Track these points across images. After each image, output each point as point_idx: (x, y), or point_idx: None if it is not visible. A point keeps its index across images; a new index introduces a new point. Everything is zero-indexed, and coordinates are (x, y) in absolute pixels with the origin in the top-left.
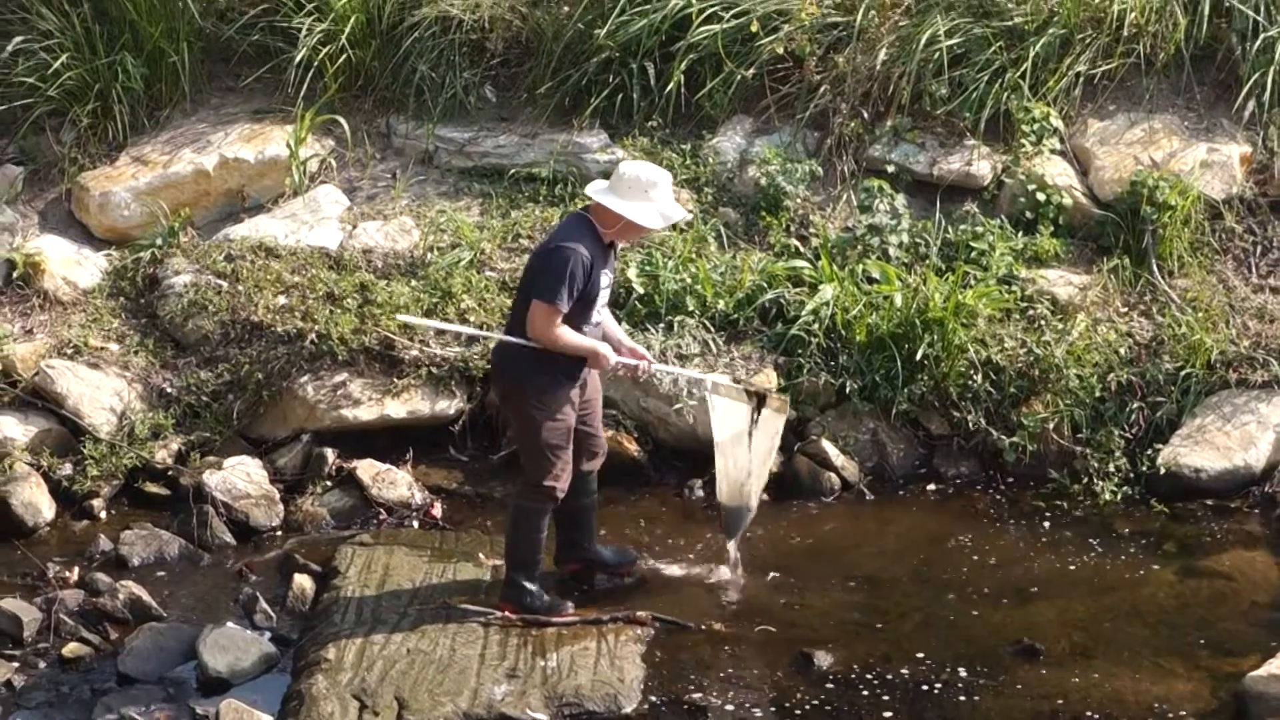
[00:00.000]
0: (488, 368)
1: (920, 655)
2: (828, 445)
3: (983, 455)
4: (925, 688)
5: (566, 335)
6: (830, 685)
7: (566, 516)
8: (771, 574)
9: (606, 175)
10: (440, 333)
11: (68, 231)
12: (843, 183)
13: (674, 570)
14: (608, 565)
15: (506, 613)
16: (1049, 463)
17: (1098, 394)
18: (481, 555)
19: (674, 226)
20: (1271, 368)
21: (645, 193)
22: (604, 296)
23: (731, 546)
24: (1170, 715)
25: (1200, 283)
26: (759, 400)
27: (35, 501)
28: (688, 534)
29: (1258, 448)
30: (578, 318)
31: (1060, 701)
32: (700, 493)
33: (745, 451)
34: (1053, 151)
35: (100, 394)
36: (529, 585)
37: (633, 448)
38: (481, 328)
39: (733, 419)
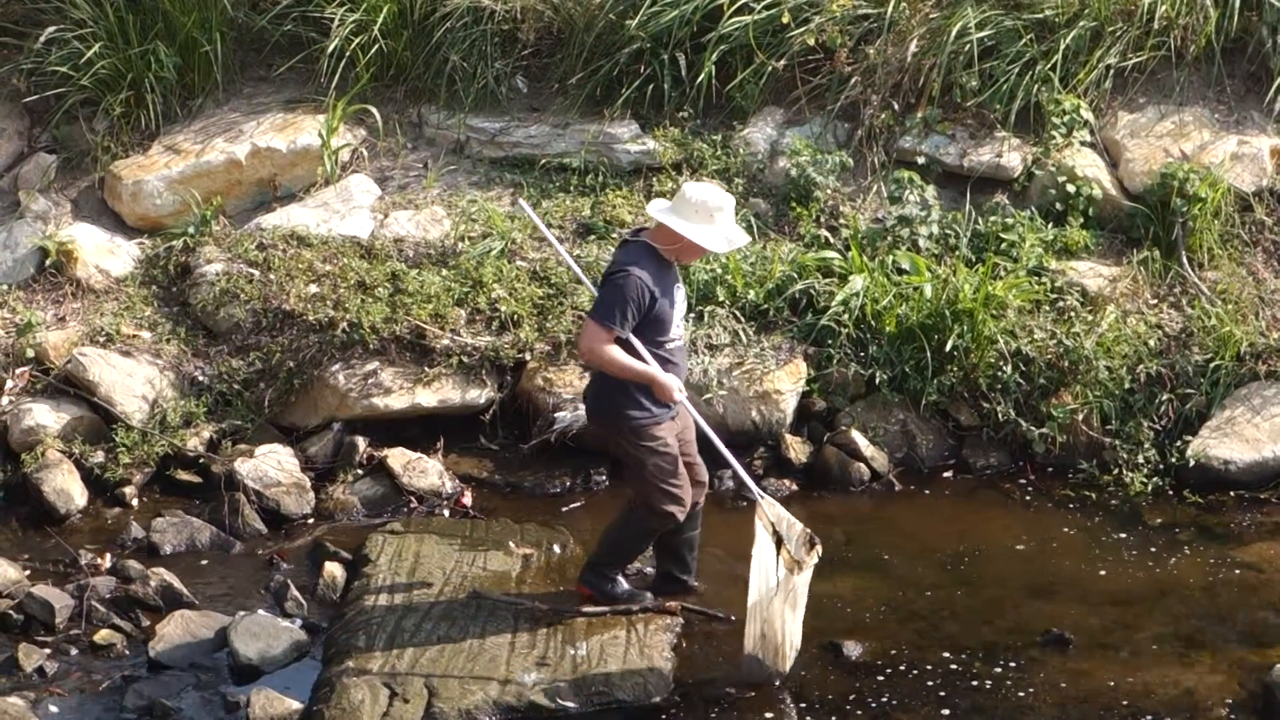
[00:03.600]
0: (519, 356)
1: (950, 645)
2: (857, 436)
3: (1012, 446)
4: (955, 678)
5: (618, 356)
6: (860, 675)
7: (667, 550)
8: None
9: (638, 166)
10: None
11: (100, 220)
12: (873, 174)
13: (704, 560)
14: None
15: (582, 594)
16: (1078, 454)
17: (1127, 385)
18: (512, 544)
19: None
20: None
21: (711, 216)
22: (679, 312)
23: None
24: (1199, 706)
25: (1230, 275)
26: (778, 543)
27: (68, 489)
28: (716, 524)
29: None
30: (653, 335)
31: (1089, 691)
32: (729, 483)
33: (778, 600)
34: (1083, 144)
35: (132, 382)
36: (614, 575)
37: None
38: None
39: (767, 557)
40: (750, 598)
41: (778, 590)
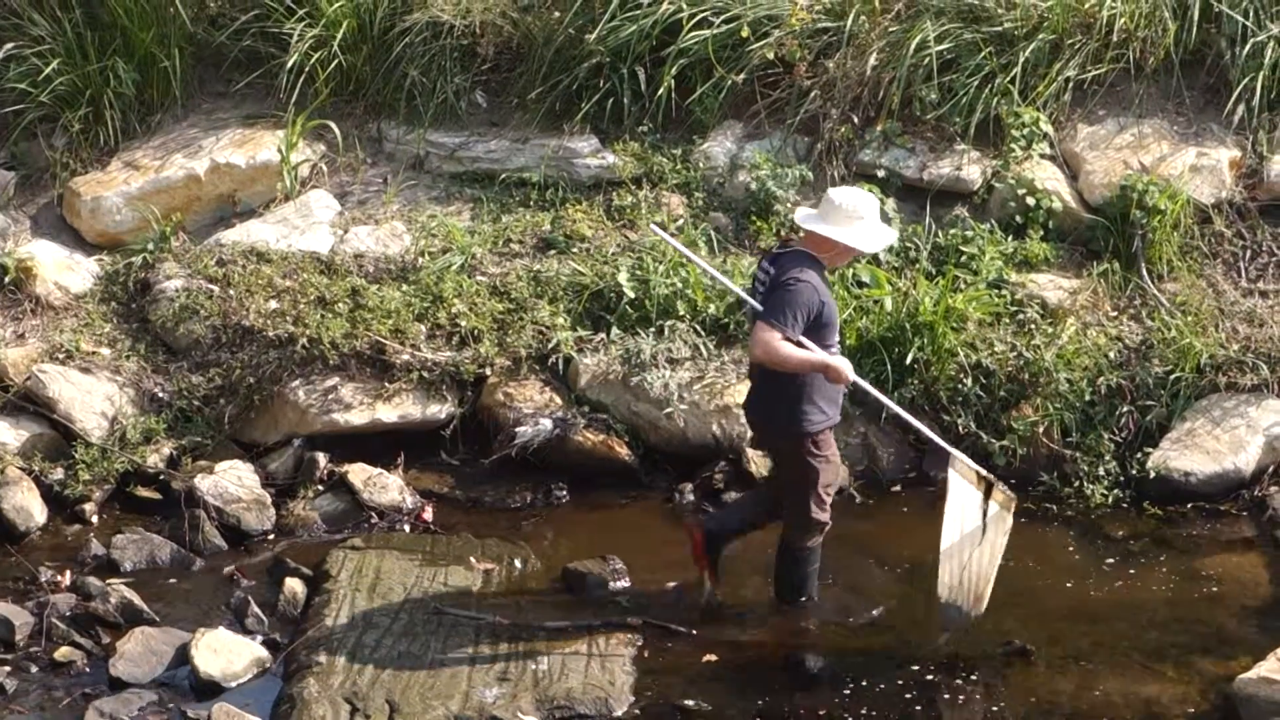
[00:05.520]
0: (479, 371)
1: (910, 657)
2: None
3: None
4: (917, 690)
5: (792, 351)
6: (820, 688)
7: (746, 513)
8: (761, 578)
9: (597, 181)
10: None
11: (59, 236)
12: (833, 187)
13: (665, 575)
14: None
15: None
16: (1039, 466)
17: (1087, 397)
18: (472, 559)
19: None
20: (1260, 371)
21: (860, 217)
22: (837, 322)
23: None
24: (1160, 717)
25: (1189, 287)
26: (988, 488)
27: (27, 506)
28: (677, 538)
29: (1247, 451)
30: (821, 341)
31: (1051, 702)
32: (690, 497)
33: (976, 545)
34: (1042, 156)
35: (92, 399)
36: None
37: (623, 451)
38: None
39: (966, 504)
40: (944, 543)
41: (981, 534)
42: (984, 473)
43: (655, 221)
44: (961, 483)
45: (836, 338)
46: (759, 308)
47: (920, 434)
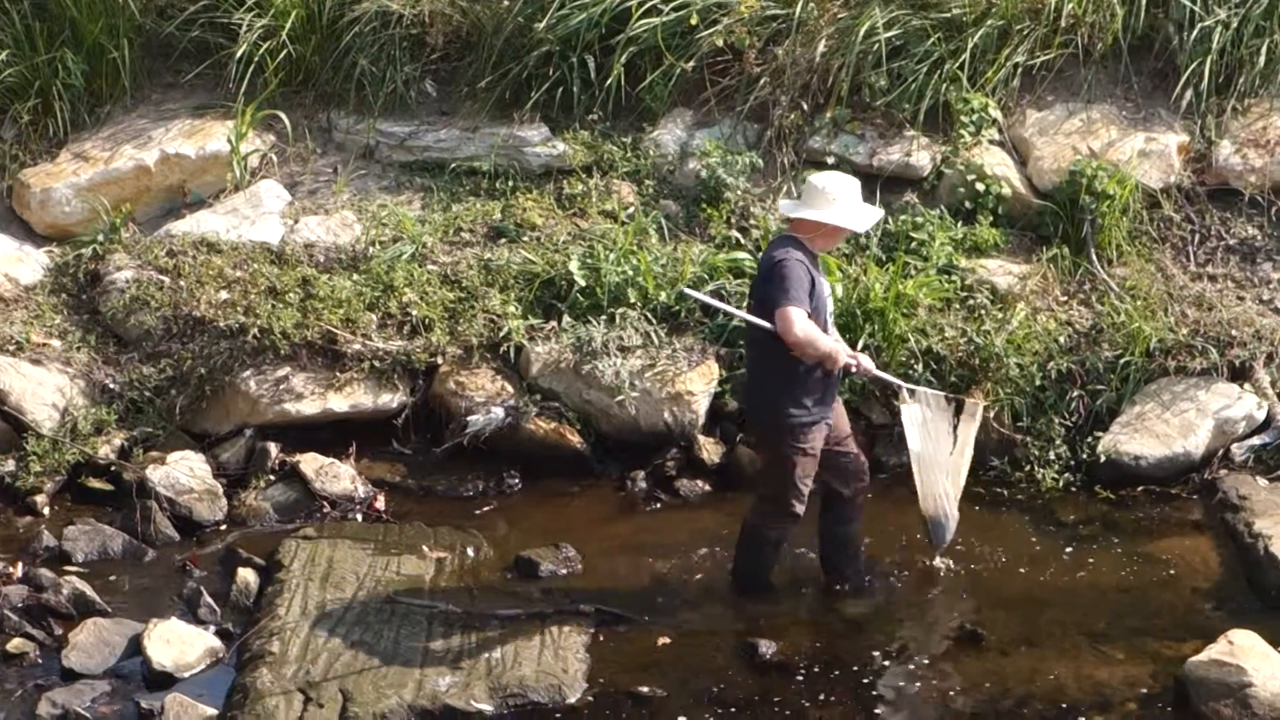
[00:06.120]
0: (430, 360)
1: (863, 642)
2: None
3: None
4: (869, 675)
5: (819, 335)
6: (774, 674)
7: (833, 540)
8: (713, 563)
9: (548, 169)
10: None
11: (9, 228)
12: (783, 174)
13: (617, 562)
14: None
15: None
16: (989, 451)
17: (1038, 382)
18: (425, 548)
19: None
20: (1210, 355)
21: (842, 198)
22: (829, 305)
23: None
24: (1111, 700)
25: (1139, 271)
26: (958, 406)
27: None
28: (630, 525)
29: (1197, 435)
30: (815, 322)
31: (1002, 686)
32: (642, 485)
33: (943, 460)
34: (991, 142)
35: (43, 390)
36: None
37: (575, 439)
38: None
39: (932, 427)
40: (917, 473)
41: (952, 449)
42: (951, 396)
43: (686, 285)
44: (922, 410)
45: (826, 320)
46: (766, 321)
47: (889, 383)
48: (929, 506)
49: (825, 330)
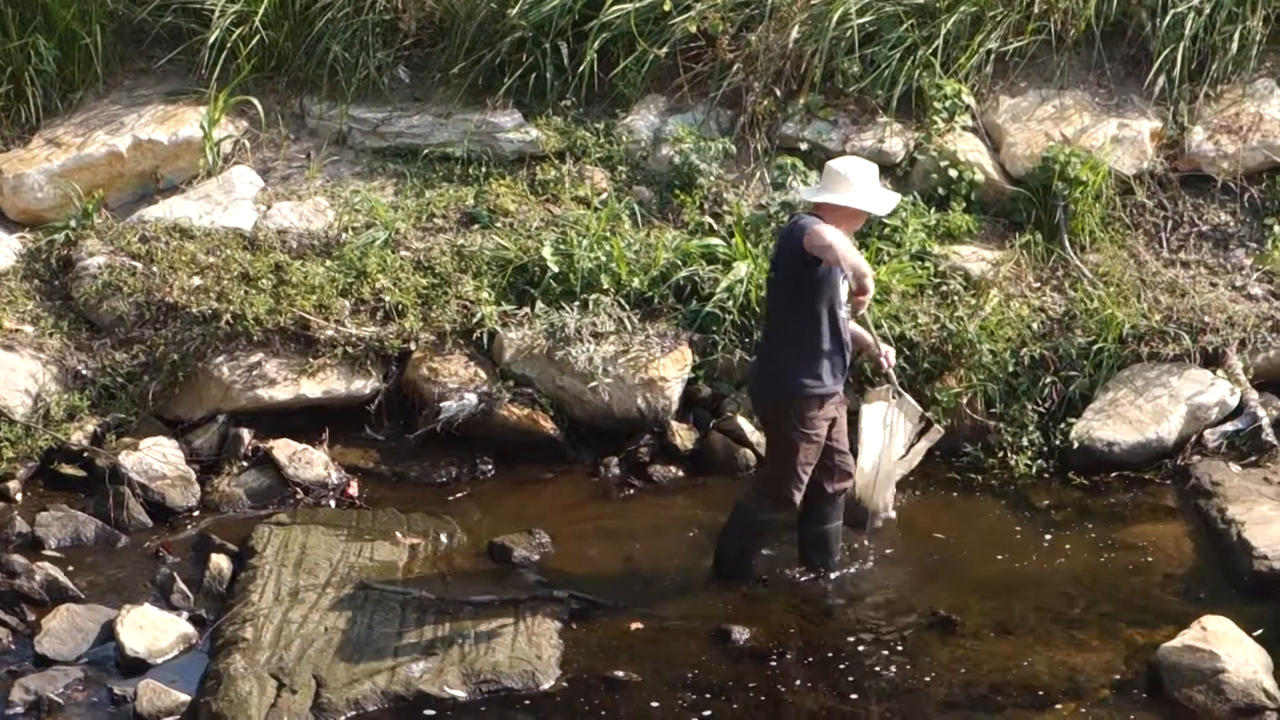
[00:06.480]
0: (404, 346)
1: (836, 628)
2: (743, 422)
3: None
4: (842, 661)
5: (846, 242)
6: (748, 660)
7: (813, 540)
8: (688, 549)
9: (521, 155)
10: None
11: None
12: (756, 160)
13: (591, 548)
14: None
15: None
16: (963, 437)
17: (1011, 369)
18: (398, 534)
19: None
20: (1182, 341)
21: (862, 181)
22: (844, 290)
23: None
24: (1085, 686)
25: (1112, 257)
26: (924, 427)
27: None
28: (603, 511)
29: (1169, 421)
30: (832, 299)
31: (976, 672)
32: (615, 470)
33: (887, 463)
34: (964, 128)
35: (15, 376)
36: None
37: (548, 425)
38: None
39: (893, 431)
40: (870, 465)
41: (897, 458)
42: (925, 415)
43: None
44: (892, 413)
45: (840, 306)
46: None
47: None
48: (868, 495)
49: (839, 321)
